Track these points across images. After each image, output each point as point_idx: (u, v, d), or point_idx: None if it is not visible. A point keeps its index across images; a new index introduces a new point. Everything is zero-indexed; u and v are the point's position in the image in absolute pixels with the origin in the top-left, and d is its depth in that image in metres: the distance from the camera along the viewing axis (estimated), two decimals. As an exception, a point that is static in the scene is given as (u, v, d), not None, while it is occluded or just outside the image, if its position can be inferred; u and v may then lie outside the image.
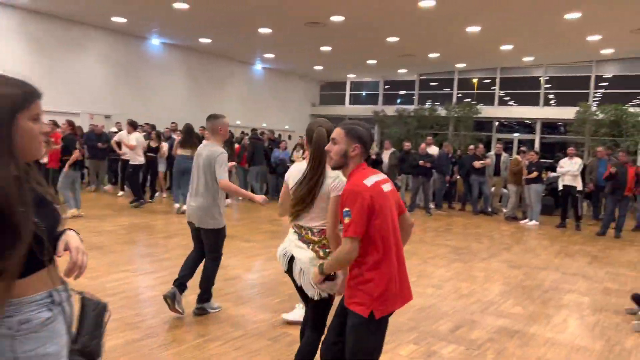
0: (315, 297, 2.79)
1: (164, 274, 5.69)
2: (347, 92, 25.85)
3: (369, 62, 20.08)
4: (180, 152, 9.52)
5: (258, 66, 22.27)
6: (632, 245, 8.98)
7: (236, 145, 12.30)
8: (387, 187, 2.49)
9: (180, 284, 4.38)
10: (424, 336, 4.31)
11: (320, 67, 21.81)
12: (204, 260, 4.52)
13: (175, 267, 5.98)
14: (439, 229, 9.73)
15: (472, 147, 12.64)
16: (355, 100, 25.84)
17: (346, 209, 2.32)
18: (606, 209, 10.30)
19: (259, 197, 4.28)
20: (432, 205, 12.12)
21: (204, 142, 4.68)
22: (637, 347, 4.31)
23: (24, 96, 1.52)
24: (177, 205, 9.77)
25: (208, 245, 4.42)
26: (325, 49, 17.60)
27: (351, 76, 24.90)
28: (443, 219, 11.06)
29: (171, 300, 4.31)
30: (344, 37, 15.66)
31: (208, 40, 17.16)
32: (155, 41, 17.77)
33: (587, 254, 8.03)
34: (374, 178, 2.44)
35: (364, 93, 25.79)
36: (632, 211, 11.38)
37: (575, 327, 4.72)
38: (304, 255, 2.80)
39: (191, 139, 9.47)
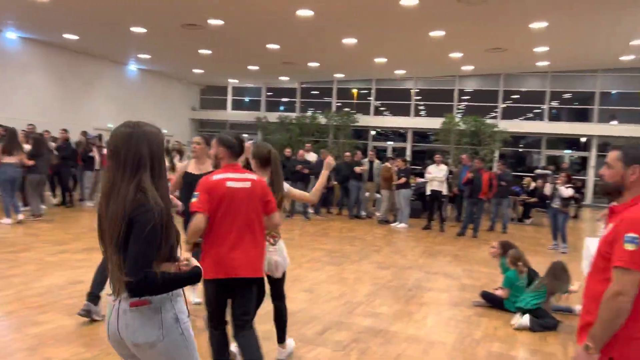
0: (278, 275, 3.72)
1: (11, 292, 5.09)
2: (229, 97, 25.52)
3: (251, 67, 20.01)
4: (6, 159, 8.58)
5: (132, 67, 21.11)
6: (487, 244, 9.87)
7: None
8: (240, 184, 3.13)
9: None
10: (291, 341, 4.31)
11: (201, 71, 21.29)
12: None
13: (26, 283, 5.39)
14: (315, 234, 9.92)
15: (347, 154, 13.11)
16: (237, 105, 25.59)
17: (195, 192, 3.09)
18: (465, 211, 11.25)
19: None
20: (310, 210, 12.34)
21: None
22: (485, 338, 4.72)
23: None
24: (20, 217, 8.81)
25: None
26: (205, 52, 17.21)
27: (233, 81, 24.63)
28: (320, 224, 11.31)
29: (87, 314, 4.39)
30: (223, 41, 15.43)
31: (74, 37, 15.88)
32: (10, 35, 16.03)
33: (448, 254, 8.69)
34: (228, 175, 3.15)
35: (246, 99, 25.65)
36: (487, 213, 12.56)
37: (433, 323, 5.05)
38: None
39: (15, 144, 8.64)
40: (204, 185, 3.10)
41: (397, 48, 16.02)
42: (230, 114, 25.20)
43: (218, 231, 3.08)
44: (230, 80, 24.51)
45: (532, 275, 5.63)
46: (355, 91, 23.22)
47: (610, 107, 19.46)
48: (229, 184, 3.11)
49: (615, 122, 19.29)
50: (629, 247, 2.09)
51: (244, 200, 3.11)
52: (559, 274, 5.33)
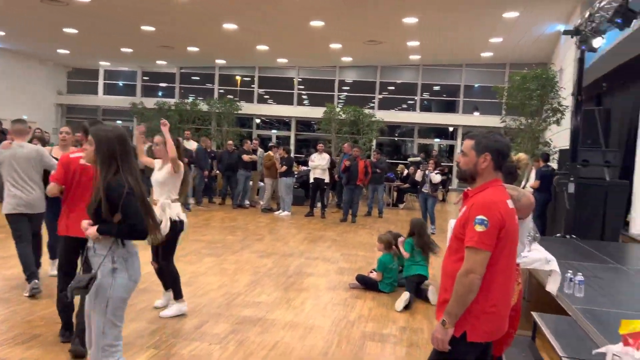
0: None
1: None
2: (101, 81, 23.70)
3: (124, 50, 18.74)
4: None
5: (-17, 44, 18.72)
6: (364, 229, 10.34)
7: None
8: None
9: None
10: (166, 338, 4.13)
11: (66, 51, 19.47)
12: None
13: None
14: (196, 225, 9.60)
15: (230, 142, 12.86)
16: (110, 90, 23.86)
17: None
18: (344, 197, 11.63)
19: None
20: (191, 201, 11.92)
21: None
22: (360, 319, 4.91)
23: None
24: None
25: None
26: (70, 31, 15.75)
27: (104, 64, 22.89)
28: (202, 214, 10.99)
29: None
30: (91, 20, 14.23)
31: None
32: None
33: (328, 239, 8.92)
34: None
35: (120, 83, 24.00)
36: (365, 199, 13.11)
37: (311, 308, 5.14)
38: None
39: None
40: (62, 161, 3.87)
41: (278, 36, 16.00)
42: (102, 99, 23.45)
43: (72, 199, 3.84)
44: (101, 63, 22.75)
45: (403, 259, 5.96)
46: (238, 78, 22.83)
47: (473, 100, 21.28)
48: (82, 161, 3.69)
49: (477, 113, 21.14)
50: (479, 228, 2.26)
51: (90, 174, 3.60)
52: (421, 230, 5.75)
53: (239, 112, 21.14)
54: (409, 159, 17.12)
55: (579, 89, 7.95)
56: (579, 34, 7.30)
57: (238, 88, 22.75)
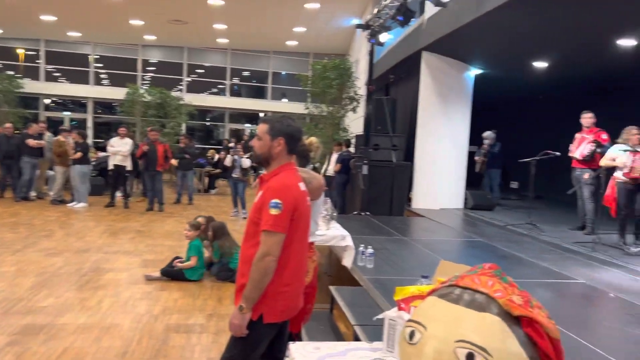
0: None
1: None
2: None
3: None
4: None
5: None
6: (172, 217, 9.93)
7: None
8: None
9: None
10: None
11: None
12: None
13: None
14: (-36, 223, 8.10)
15: (8, 125, 11.12)
16: None
17: None
18: (145, 185, 11.01)
19: None
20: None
21: None
22: (164, 311, 4.68)
23: None
24: None
25: None
26: None
27: None
28: (-27, 210, 9.31)
29: None
30: None
31: None
32: None
33: (131, 230, 8.33)
34: None
35: None
36: (174, 186, 12.61)
37: (109, 306, 4.73)
38: None
39: None
40: None
41: (67, 6, 14.26)
42: None
43: None
44: None
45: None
46: (21, 52, 19.81)
47: (281, 87, 21.96)
48: None
49: (285, 100, 21.91)
50: (274, 211, 2.28)
51: None
52: (222, 233, 5.78)
53: (22, 90, 18.37)
54: (224, 144, 16.87)
55: (370, 79, 8.74)
56: (369, 29, 8.00)
57: (20, 63, 19.76)
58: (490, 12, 6.17)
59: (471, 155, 10.20)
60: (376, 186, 8.80)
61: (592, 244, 5.93)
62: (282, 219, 2.28)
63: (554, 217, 8.49)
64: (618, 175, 6.09)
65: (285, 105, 21.30)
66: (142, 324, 4.35)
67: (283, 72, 21.91)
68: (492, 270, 1.58)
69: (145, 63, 20.64)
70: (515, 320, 1.37)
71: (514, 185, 12.85)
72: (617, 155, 5.99)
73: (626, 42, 6.67)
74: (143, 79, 20.43)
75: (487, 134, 10.42)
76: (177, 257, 5.86)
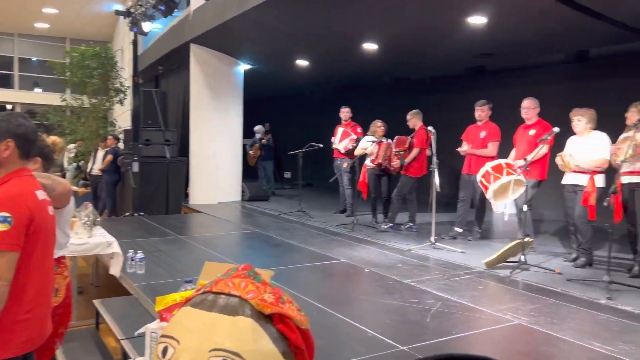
0: None
1: None
2: None
3: None
4: None
5: None
6: None
7: None
8: None
9: None
10: None
11: None
12: None
13: None
14: None
15: None
16: None
17: None
18: None
19: None
20: None
21: None
22: None
23: None
24: None
25: None
26: None
27: None
28: None
29: None
30: None
31: None
32: None
33: None
34: None
35: None
36: None
37: None
38: None
39: None
40: None
41: None
42: None
43: None
44: None
45: None
46: None
47: (33, 75, 19.17)
48: None
49: (39, 90, 19.20)
50: (1, 227, 1.92)
51: None
52: None
53: None
54: None
55: (135, 70, 8.21)
56: (130, 16, 7.48)
57: None
58: (253, 9, 6.35)
59: (246, 148, 10.47)
60: (149, 184, 8.36)
61: (351, 225, 6.65)
62: (12, 235, 1.94)
63: (321, 203, 9.28)
64: (367, 163, 6.94)
65: (38, 96, 18.70)
66: None
67: (34, 59, 19.17)
68: (245, 271, 1.58)
69: None
70: (267, 319, 1.40)
71: (287, 175, 13.64)
72: (366, 145, 6.82)
73: (369, 46, 7.61)
74: None
75: (258, 127, 10.80)
76: None
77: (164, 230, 6.58)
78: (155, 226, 6.84)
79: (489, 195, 5.22)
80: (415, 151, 6.54)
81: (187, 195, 9.33)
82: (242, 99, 9.72)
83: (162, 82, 11.48)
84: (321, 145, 7.88)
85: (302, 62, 9.16)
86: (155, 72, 11.31)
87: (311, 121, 12.13)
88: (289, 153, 8.31)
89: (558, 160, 4.91)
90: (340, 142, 7.79)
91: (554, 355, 2.99)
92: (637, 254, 4.55)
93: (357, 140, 7.54)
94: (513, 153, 5.75)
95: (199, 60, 9.03)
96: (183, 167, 9.10)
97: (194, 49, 8.93)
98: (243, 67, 9.73)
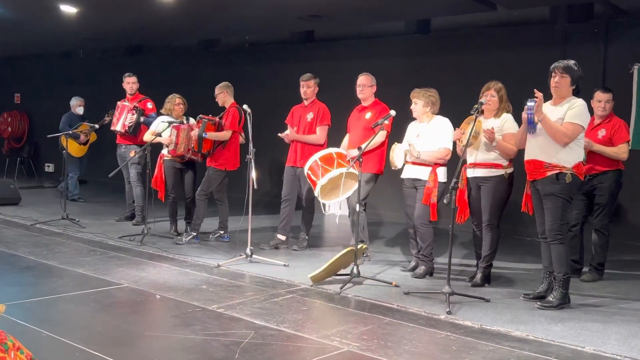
0: None
1: None
2: None
3: None
4: None
5: None
6: None
7: None
8: None
9: None
10: None
11: None
12: None
13: None
14: None
15: None
16: None
17: None
18: None
19: None
20: None
21: None
22: None
23: None
24: None
25: None
26: None
27: None
28: None
29: None
30: None
31: None
32: None
33: None
34: None
35: None
36: None
37: None
38: None
39: None
40: None
41: None
42: None
43: None
44: None
45: None
46: None
47: None
48: None
49: None
50: None
51: None
52: None
53: None
54: None
55: None
56: None
57: None
58: None
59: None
60: None
61: (141, 237, 6.40)
62: None
63: (98, 207, 8.80)
64: (165, 152, 6.75)
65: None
66: None
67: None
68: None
69: None
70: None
71: (50, 168, 12.80)
72: (160, 129, 6.59)
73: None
74: None
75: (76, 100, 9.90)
76: None
77: None
78: None
79: (317, 192, 5.45)
80: (224, 134, 6.44)
81: None
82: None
83: None
84: (97, 126, 7.49)
85: (67, 8, 8.47)
86: None
87: (85, 93, 11.41)
88: (49, 136, 7.71)
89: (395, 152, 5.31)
90: (119, 119, 7.44)
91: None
92: (481, 260, 5.13)
93: (141, 114, 7.26)
94: (346, 140, 6.08)
95: None
96: None
97: None
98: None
